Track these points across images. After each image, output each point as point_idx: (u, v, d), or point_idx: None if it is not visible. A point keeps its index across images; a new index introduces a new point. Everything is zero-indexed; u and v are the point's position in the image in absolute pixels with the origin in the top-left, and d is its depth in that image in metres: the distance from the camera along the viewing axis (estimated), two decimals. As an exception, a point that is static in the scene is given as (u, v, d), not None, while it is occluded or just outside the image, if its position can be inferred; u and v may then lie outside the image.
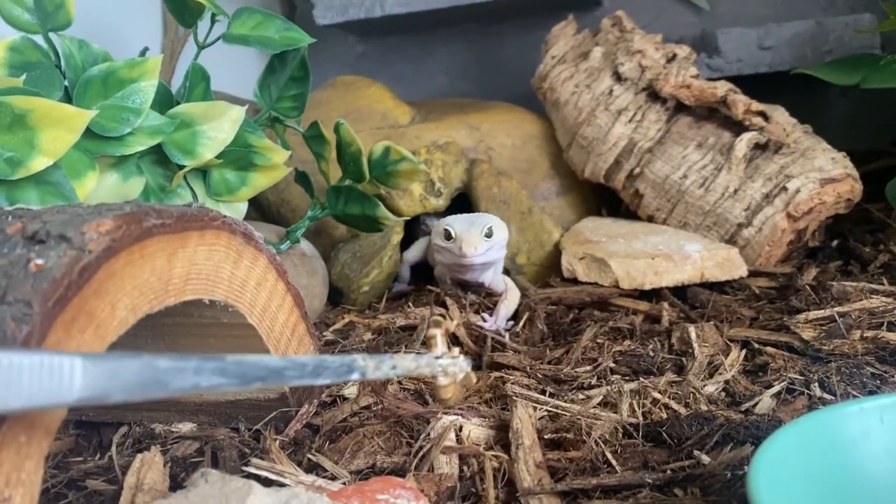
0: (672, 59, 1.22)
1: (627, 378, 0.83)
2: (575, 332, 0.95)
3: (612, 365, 0.86)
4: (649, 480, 0.62)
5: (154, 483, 0.66)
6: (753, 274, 1.07)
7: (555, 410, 0.74)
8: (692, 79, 1.18)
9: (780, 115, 1.16)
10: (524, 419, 0.70)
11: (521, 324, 0.99)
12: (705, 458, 0.65)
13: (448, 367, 0.60)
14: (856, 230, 1.18)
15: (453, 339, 0.95)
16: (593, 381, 0.82)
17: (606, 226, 1.20)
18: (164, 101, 0.98)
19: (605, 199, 1.33)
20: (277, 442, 0.72)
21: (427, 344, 0.79)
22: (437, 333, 0.78)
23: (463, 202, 1.26)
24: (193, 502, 0.54)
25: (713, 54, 1.38)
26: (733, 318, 0.94)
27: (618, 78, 1.24)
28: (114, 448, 0.76)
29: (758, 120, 1.13)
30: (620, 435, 0.69)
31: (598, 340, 0.92)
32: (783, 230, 1.08)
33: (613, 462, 0.64)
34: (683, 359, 0.86)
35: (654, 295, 1.05)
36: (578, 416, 0.71)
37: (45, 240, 0.54)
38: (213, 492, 0.55)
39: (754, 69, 1.35)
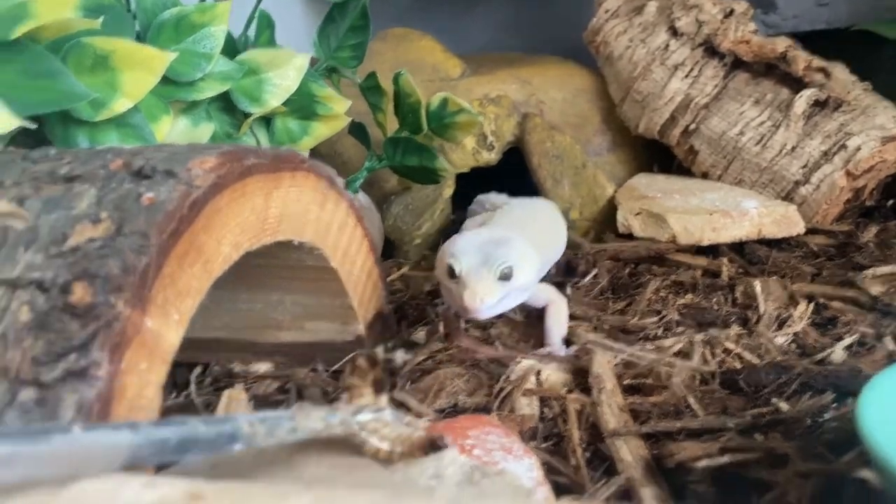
0: (729, 14, 1.21)
1: (693, 330, 0.83)
2: (635, 287, 0.96)
3: (677, 317, 0.86)
4: (731, 425, 0.63)
5: (243, 419, 0.68)
6: (811, 231, 1.07)
7: (629, 358, 0.75)
8: (751, 34, 1.17)
9: (840, 71, 1.14)
10: (604, 365, 0.71)
11: (582, 279, 0.99)
12: (784, 406, 0.66)
13: (369, 424, 0.49)
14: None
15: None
16: (659, 333, 0.83)
17: (660, 182, 1.20)
18: (228, 48, 0.98)
19: (657, 156, 1.33)
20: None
21: (348, 393, 0.55)
22: (360, 383, 0.55)
23: (514, 158, 1.26)
24: (296, 434, 0.56)
25: (769, 10, 1.37)
26: (794, 273, 0.94)
27: (674, 33, 1.22)
28: (192, 387, 0.78)
29: (818, 76, 1.12)
30: (698, 382, 0.70)
31: (661, 294, 0.92)
32: (842, 188, 1.07)
33: (696, 407, 0.65)
34: (748, 312, 0.86)
35: (710, 251, 1.06)
36: (655, 364, 0.72)
37: (151, 175, 0.55)
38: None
39: (811, 26, 1.33)
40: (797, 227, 1.06)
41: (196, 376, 0.81)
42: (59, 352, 0.45)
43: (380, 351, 0.79)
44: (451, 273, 0.75)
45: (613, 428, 0.62)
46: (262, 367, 0.81)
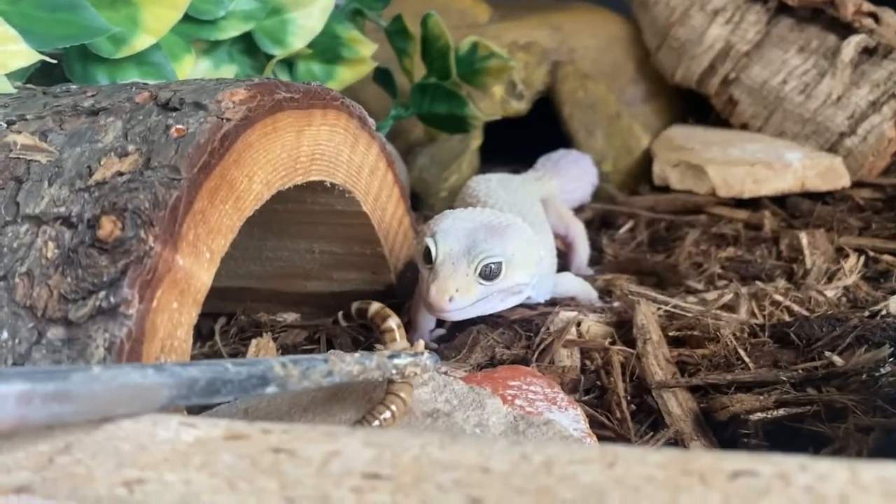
0: (774, -43, 1.15)
1: (736, 283, 0.80)
2: (674, 239, 0.92)
3: (719, 270, 0.83)
4: (784, 378, 0.60)
5: (273, 367, 0.65)
6: (856, 185, 1.03)
7: (673, 310, 0.72)
8: (797, -23, 1.12)
9: (890, 17, 1.09)
10: (648, 315, 0.68)
11: (619, 230, 0.96)
12: (838, 359, 0.63)
13: (406, 368, 0.48)
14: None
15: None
16: (701, 286, 0.80)
17: (698, 133, 1.16)
18: (251, -13, 0.94)
19: (692, 107, 1.28)
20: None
21: (382, 338, 0.57)
22: (395, 325, 0.56)
23: (544, 108, 1.21)
24: (332, 381, 0.53)
25: (813, -46, 1.30)
26: (840, 227, 0.90)
27: (714, -23, 1.17)
28: (217, 336, 0.76)
29: (868, 21, 1.07)
30: (746, 335, 0.67)
31: (701, 247, 0.89)
32: (890, 140, 1.03)
33: (746, 359, 0.62)
34: (793, 266, 0.83)
35: (750, 204, 1.02)
36: (701, 316, 0.69)
37: (179, 107, 0.52)
38: (351, 371, 0.54)
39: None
40: (842, 179, 1.01)
41: (221, 327, 0.79)
42: (88, 289, 0.43)
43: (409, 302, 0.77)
44: (427, 257, 0.62)
45: (661, 380, 0.60)
46: (290, 316, 0.78)
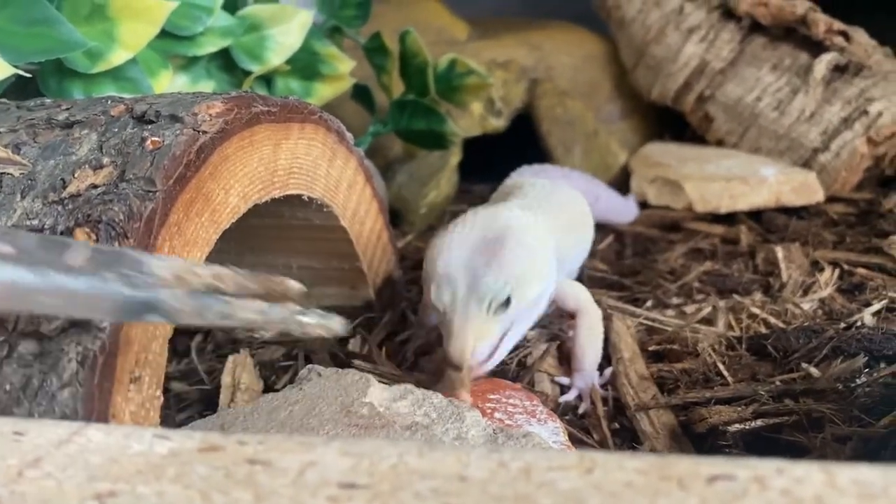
0: (746, -24, 1.17)
1: (714, 297, 0.81)
2: (652, 254, 0.93)
3: (697, 284, 0.84)
4: (763, 392, 0.60)
5: (249, 383, 0.65)
6: (830, 200, 1.04)
7: (650, 324, 0.72)
8: (770, -4, 1.14)
9: (860, 35, 1.11)
10: (622, 332, 0.68)
11: (599, 245, 0.96)
12: (814, 371, 0.63)
13: (312, 327, 0.44)
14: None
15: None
16: (679, 300, 0.81)
17: (674, 150, 1.17)
18: (229, 3, 0.94)
19: (668, 124, 1.29)
20: (366, 346, 0.70)
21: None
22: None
23: (522, 125, 1.22)
24: (311, 394, 0.53)
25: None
26: (815, 241, 0.91)
27: (689, -4, 1.19)
28: (193, 353, 0.75)
29: (839, 40, 1.09)
30: (724, 347, 0.67)
31: (679, 261, 0.90)
32: (862, 155, 1.04)
33: (725, 374, 0.63)
34: (770, 279, 0.83)
35: (727, 219, 1.03)
36: (679, 329, 0.69)
37: (154, 120, 0.52)
38: (330, 384, 0.54)
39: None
40: (816, 194, 1.03)
41: (197, 343, 0.78)
42: (59, 301, 0.42)
43: (388, 317, 0.76)
44: (437, 301, 0.57)
45: (641, 402, 0.60)
46: (267, 333, 0.78)
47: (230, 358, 0.67)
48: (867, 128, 1.04)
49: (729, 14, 1.16)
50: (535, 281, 0.58)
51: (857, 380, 0.62)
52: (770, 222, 1.00)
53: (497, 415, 0.55)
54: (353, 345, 0.72)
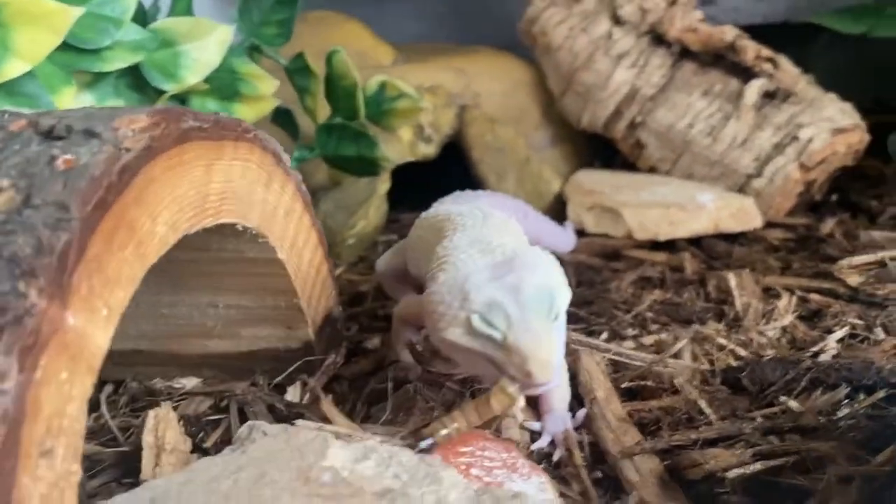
0: (674, 3, 1.17)
1: (668, 327, 0.77)
2: (599, 283, 0.89)
3: (650, 314, 0.80)
4: (748, 431, 0.56)
5: (176, 443, 0.56)
6: (767, 226, 1.03)
7: (616, 358, 0.67)
8: (699, 23, 1.13)
9: (785, 62, 1.12)
10: (592, 369, 0.63)
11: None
12: (793, 404, 0.60)
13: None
14: (854, 185, 1.16)
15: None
16: (634, 331, 0.76)
17: (607, 177, 1.14)
18: (139, 17, 0.85)
19: (598, 152, 1.27)
20: (316, 396, 0.62)
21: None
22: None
23: (452, 153, 1.17)
24: (257, 458, 0.45)
25: (708, 2, 1.34)
26: (762, 267, 0.89)
27: (616, 21, 1.17)
28: (104, 407, 0.65)
29: (768, 66, 1.09)
30: (699, 382, 0.63)
31: (628, 290, 0.86)
32: (796, 181, 1.04)
33: (708, 411, 0.58)
34: (724, 307, 0.80)
35: (666, 246, 1.00)
36: (652, 365, 0.64)
37: (66, 135, 0.43)
38: (279, 445, 0.46)
39: (748, 20, 1.31)
40: (755, 220, 1.02)
41: (108, 396, 0.68)
42: (-53, 358, 0.33)
43: (330, 360, 0.69)
44: (479, 332, 0.50)
45: (625, 448, 0.54)
46: (189, 382, 0.69)
47: (150, 413, 0.58)
48: (799, 153, 1.04)
49: (658, 40, 1.15)
50: (565, 289, 0.54)
51: (839, 412, 0.58)
52: (711, 249, 0.98)
53: (474, 471, 0.48)
54: (293, 394, 0.64)
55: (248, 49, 0.99)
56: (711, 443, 0.55)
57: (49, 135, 0.43)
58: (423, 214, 0.77)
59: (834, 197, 1.14)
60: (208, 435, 0.59)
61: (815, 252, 0.92)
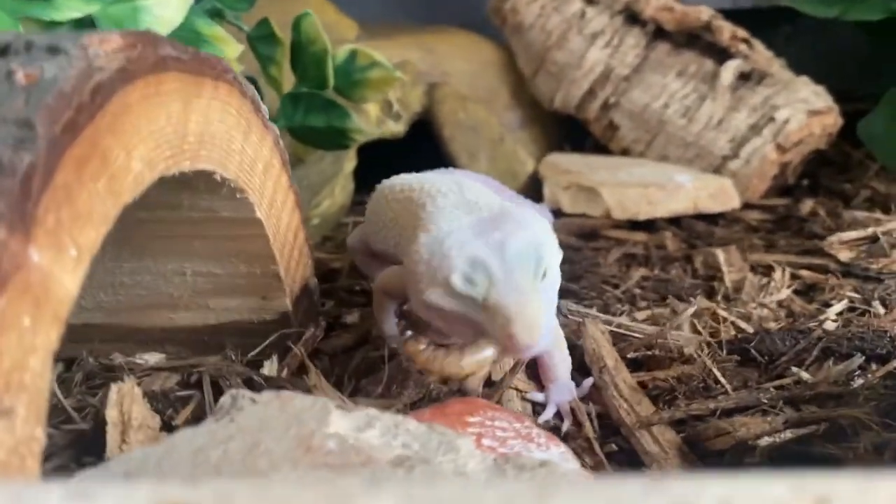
0: (646, -18, 1.15)
1: (664, 301, 0.74)
2: (583, 261, 0.85)
3: (639, 290, 0.76)
4: (765, 400, 0.53)
5: (143, 419, 0.50)
6: (745, 207, 1.01)
7: (616, 330, 0.63)
8: (674, 2, 1.11)
9: (759, 45, 1.11)
10: (598, 338, 0.59)
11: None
12: (805, 375, 0.57)
13: None
14: (823, 170, 1.15)
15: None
16: (621, 307, 0.73)
17: (579, 159, 1.11)
18: (92, -32, 0.78)
19: (568, 135, 1.24)
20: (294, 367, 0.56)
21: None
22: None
23: (421, 132, 1.12)
24: (248, 426, 0.39)
25: (676, -13, 1.32)
26: (745, 245, 0.87)
27: (589, 0, 1.14)
28: (55, 386, 0.58)
29: (743, 47, 1.08)
30: (706, 353, 0.60)
31: (614, 268, 0.82)
32: (772, 162, 1.03)
33: (723, 380, 0.54)
34: (713, 283, 0.78)
35: (646, 226, 0.97)
36: (657, 335, 0.61)
37: (25, 51, 0.37)
38: (273, 413, 0.40)
39: (717, 5, 1.30)
40: (733, 200, 1.00)
41: (59, 374, 0.61)
42: None
43: (310, 333, 0.63)
44: (459, 292, 0.47)
45: (641, 418, 0.50)
46: (152, 357, 0.62)
47: (114, 387, 0.51)
48: (775, 134, 1.03)
49: (633, 19, 1.13)
50: (554, 247, 0.50)
51: (853, 383, 0.56)
52: (691, 229, 0.95)
53: (486, 441, 0.44)
54: (270, 368, 0.58)
55: (209, 12, 0.92)
56: (728, 413, 0.52)
57: (5, 52, 0.37)
58: (385, 186, 0.71)
59: (805, 181, 1.13)
60: (178, 412, 0.53)
61: (799, 231, 0.90)
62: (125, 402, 0.50)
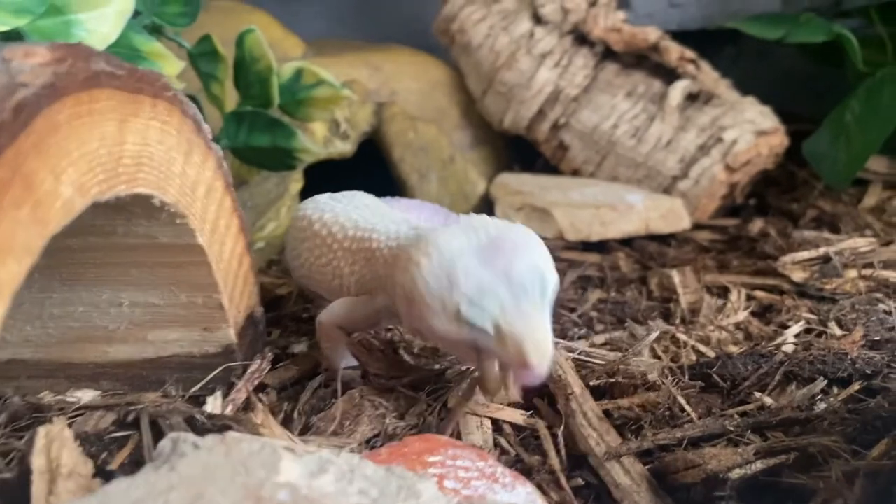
0: (594, 3, 1.14)
1: (614, 326, 0.73)
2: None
3: (595, 313, 0.75)
4: (731, 428, 0.51)
5: (74, 465, 0.45)
6: (695, 227, 1.01)
7: (577, 357, 0.61)
8: (622, 23, 1.11)
9: (705, 65, 1.11)
10: (563, 364, 0.57)
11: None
12: (768, 400, 0.56)
13: None
14: (769, 190, 1.16)
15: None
16: (579, 331, 0.71)
17: (531, 179, 1.10)
18: (22, -20, 0.74)
19: (517, 156, 1.23)
20: (244, 404, 0.53)
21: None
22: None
23: (369, 152, 1.10)
24: (190, 475, 0.36)
25: (623, 7, 1.32)
26: (698, 266, 0.86)
27: (538, 20, 1.14)
28: (-26, 428, 0.54)
29: (691, 68, 1.08)
30: (670, 379, 0.58)
31: (569, 291, 0.81)
32: (721, 182, 1.03)
33: (688, 408, 0.53)
34: (669, 305, 0.77)
35: (598, 247, 0.96)
36: (619, 362, 0.59)
37: (-62, 66, 0.33)
38: (217, 460, 0.37)
39: (663, 26, 1.31)
40: (683, 221, 1.00)
41: (-20, 413, 0.56)
42: None
43: (256, 365, 0.59)
44: (469, 321, 0.46)
45: (611, 449, 0.48)
46: (85, 395, 0.58)
47: (41, 430, 0.47)
48: (724, 154, 1.03)
49: (581, 39, 1.12)
50: (553, 271, 0.51)
51: (816, 407, 0.55)
52: (643, 250, 0.95)
53: (448, 483, 0.41)
54: (213, 405, 0.55)
55: (147, 28, 0.89)
56: (694, 442, 0.50)
57: (-85, 65, 0.34)
58: (301, 217, 0.69)
59: (752, 201, 1.14)
60: (113, 455, 0.49)
61: (751, 251, 0.90)
62: (54, 447, 0.46)
